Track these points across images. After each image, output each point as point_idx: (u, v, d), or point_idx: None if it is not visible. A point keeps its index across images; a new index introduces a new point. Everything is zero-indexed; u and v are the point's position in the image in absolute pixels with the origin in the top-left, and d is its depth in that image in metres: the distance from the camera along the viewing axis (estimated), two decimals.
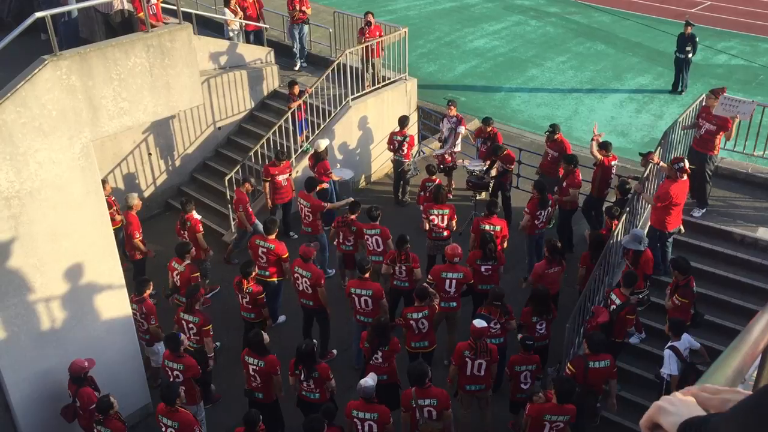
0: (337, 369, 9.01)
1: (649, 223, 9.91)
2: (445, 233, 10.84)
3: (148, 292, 9.29)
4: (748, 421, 1.07)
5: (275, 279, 10.21)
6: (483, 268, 9.72)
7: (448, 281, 9.29)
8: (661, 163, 10.10)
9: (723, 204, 10.67)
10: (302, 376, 8.19)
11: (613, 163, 11.44)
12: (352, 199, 10.95)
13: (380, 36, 13.99)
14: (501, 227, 10.32)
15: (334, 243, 10.96)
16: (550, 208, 10.90)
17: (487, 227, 10.17)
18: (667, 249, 9.88)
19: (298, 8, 14.80)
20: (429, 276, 9.53)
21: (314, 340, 8.76)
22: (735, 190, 10.92)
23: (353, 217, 10.56)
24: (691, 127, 10.61)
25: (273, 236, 10.01)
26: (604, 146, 11.40)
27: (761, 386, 1.08)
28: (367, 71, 13.99)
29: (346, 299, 9.56)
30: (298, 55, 15.34)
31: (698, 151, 10.28)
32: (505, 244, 10.45)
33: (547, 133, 12.24)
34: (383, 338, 8.31)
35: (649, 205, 10.24)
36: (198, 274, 9.89)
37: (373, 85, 14.10)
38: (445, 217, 10.76)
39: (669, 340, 8.58)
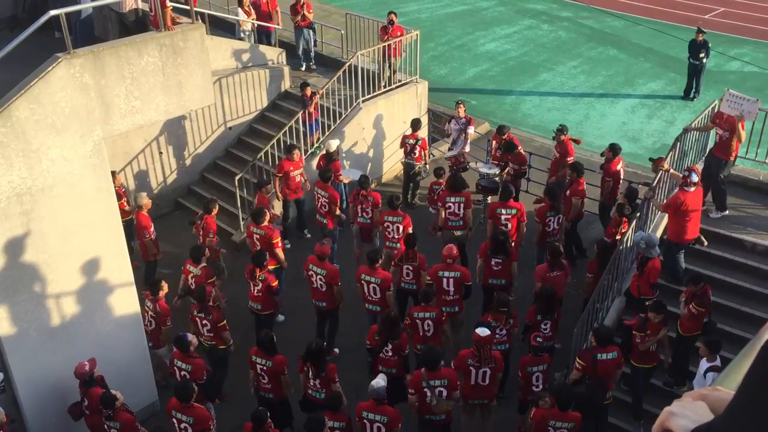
0: (344, 369, 9.02)
1: (666, 236, 9.80)
2: (461, 222, 10.83)
3: (163, 293, 9.32)
4: (742, 414, 1.08)
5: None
6: (493, 261, 9.69)
7: (445, 280, 9.28)
8: (671, 170, 10.05)
9: (734, 211, 10.60)
10: (310, 374, 8.21)
11: (618, 167, 11.29)
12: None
13: (401, 36, 14.07)
14: (518, 209, 10.37)
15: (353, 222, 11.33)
16: (561, 214, 10.82)
17: (503, 211, 10.22)
18: (680, 260, 9.80)
19: (300, 13, 14.78)
20: (427, 276, 9.54)
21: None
22: (747, 198, 10.85)
23: (365, 192, 10.95)
24: (703, 129, 10.57)
25: (264, 224, 10.28)
26: (612, 149, 11.34)
27: (743, 380, 1.09)
28: (384, 71, 14.04)
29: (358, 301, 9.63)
30: (302, 58, 15.38)
31: (715, 156, 10.30)
32: (524, 229, 10.50)
33: (555, 132, 12.23)
34: (393, 332, 8.35)
35: (662, 214, 10.16)
36: (213, 279, 9.89)
37: (390, 84, 14.14)
38: (461, 205, 10.76)
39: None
